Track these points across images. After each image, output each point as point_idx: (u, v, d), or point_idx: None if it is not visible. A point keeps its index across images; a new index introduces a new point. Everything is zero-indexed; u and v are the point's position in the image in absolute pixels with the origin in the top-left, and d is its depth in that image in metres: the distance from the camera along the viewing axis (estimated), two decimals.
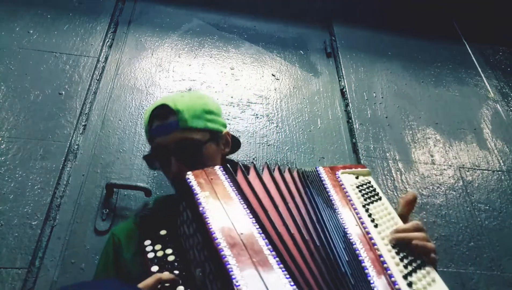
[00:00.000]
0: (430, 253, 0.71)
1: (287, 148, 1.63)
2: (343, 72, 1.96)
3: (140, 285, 0.71)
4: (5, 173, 1.33)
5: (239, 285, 0.55)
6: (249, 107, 1.72)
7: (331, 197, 0.78)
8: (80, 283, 0.73)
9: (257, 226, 0.67)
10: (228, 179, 0.76)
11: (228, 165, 0.79)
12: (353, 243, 0.68)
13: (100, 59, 1.74)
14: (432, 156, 1.72)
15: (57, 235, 1.26)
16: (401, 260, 0.66)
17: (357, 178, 0.86)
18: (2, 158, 1.36)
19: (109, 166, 1.43)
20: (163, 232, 0.82)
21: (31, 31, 1.77)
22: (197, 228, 0.70)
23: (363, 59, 2.05)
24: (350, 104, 1.83)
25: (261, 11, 2.17)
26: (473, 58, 2.20)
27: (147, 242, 0.80)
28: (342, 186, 0.81)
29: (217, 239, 0.62)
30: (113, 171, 1.42)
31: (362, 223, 0.72)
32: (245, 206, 0.70)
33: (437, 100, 1.95)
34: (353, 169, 0.87)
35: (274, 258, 0.62)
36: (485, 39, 2.32)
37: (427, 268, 0.66)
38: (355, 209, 0.76)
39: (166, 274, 0.73)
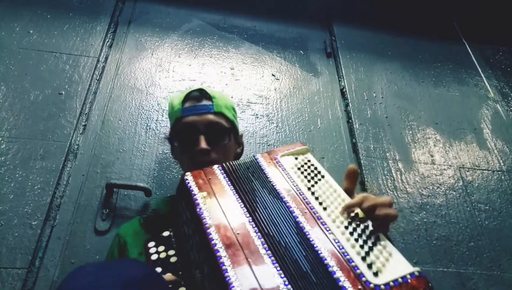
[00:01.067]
0: (385, 219, 0.67)
1: None
2: (343, 72, 1.96)
3: None
4: (5, 173, 1.33)
5: (233, 287, 0.55)
6: (249, 107, 1.72)
7: (275, 186, 0.74)
8: (96, 264, 0.73)
9: (253, 225, 0.66)
10: (227, 178, 0.76)
11: (227, 163, 0.79)
12: (306, 233, 0.65)
13: (100, 59, 1.74)
14: (432, 156, 1.72)
15: (57, 235, 1.26)
16: (356, 240, 0.63)
17: (296, 158, 0.82)
18: (2, 158, 1.36)
19: (109, 166, 1.43)
20: (166, 233, 0.83)
21: (31, 31, 1.77)
22: (195, 229, 0.70)
23: (363, 59, 2.05)
24: (350, 104, 1.83)
25: (261, 11, 2.17)
26: (473, 58, 2.20)
27: (151, 243, 0.81)
28: (284, 171, 0.78)
29: (213, 240, 0.62)
30: (113, 171, 1.42)
31: (312, 208, 0.69)
32: (242, 205, 0.70)
33: (437, 100, 1.95)
34: (291, 150, 0.84)
35: (267, 251, 0.61)
36: (485, 39, 2.32)
37: (382, 242, 0.62)
38: (301, 194, 0.72)
39: (168, 276, 0.74)
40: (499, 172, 1.72)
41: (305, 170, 0.79)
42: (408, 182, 1.61)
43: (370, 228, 0.65)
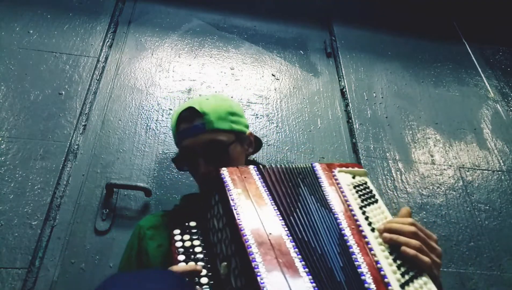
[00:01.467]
0: (428, 266, 0.66)
1: (287, 148, 1.63)
2: (343, 72, 1.96)
3: (174, 268, 0.74)
4: (5, 173, 1.33)
5: (263, 283, 0.56)
6: (249, 107, 1.72)
7: (326, 196, 0.75)
8: (128, 274, 0.74)
9: (286, 229, 0.66)
10: (261, 179, 0.76)
11: (261, 165, 0.80)
12: (350, 246, 0.65)
13: (100, 59, 1.74)
14: (432, 156, 1.72)
15: (57, 235, 1.26)
16: (398, 268, 0.63)
17: (353, 177, 0.83)
18: (2, 158, 1.36)
19: (109, 166, 1.43)
20: (192, 223, 0.83)
21: (31, 31, 1.77)
22: (227, 223, 0.70)
23: (363, 59, 2.05)
24: (350, 104, 1.83)
25: (261, 11, 2.17)
26: (473, 58, 2.20)
27: (177, 231, 0.81)
28: (339, 185, 0.78)
29: (246, 235, 0.63)
30: (113, 171, 1.42)
31: (359, 225, 0.69)
32: (275, 207, 0.70)
33: (437, 100, 1.95)
34: (350, 169, 0.84)
35: (298, 255, 0.62)
36: (485, 39, 2.32)
37: (424, 278, 0.63)
38: (351, 210, 0.73)
39: (191, 265, 0.74)
40: (499, 172, 1.72)
41: (360, 190, 0.80)
42: (408, 182, 1.61)
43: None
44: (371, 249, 0.65)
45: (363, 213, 0.73)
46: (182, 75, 1.78)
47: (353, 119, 1.77)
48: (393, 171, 1.63)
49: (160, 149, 1.51)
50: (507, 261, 1.46)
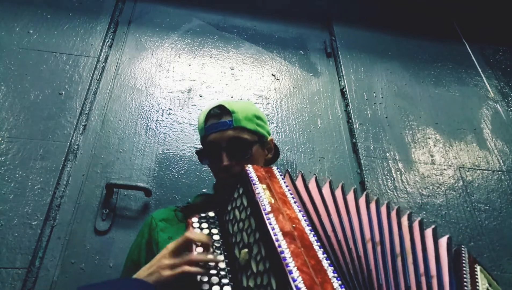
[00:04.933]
0: None
1: (287, 148, 1.63)
2: (343, 72, 1.96)
3: (170, 245, 0.75)
4: (5, 173, 1.33)
5: (289, 266, 0.57)
6: None
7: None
8: (99, 284, 0.74)
9: (309, 226, 0.69)
10: (284, 180, 0.79)
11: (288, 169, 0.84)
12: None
13: (100, 59, 1.74)
14: (432, 156, 1.72)
15: (57, 235, 1.26)
16: None
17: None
18: (2, 158, 1.36)
19: (109, 166, 1.43)
20: (211, 213, 0.84)
21: (31, 31, 1.77)
22: (251, 213, 0.71)
23: (363, 59, 2.05)
24: (350, 104, 1.83)
25: (261, 11, 2.17)
26: (473, 58, 2.20)
27: (194, 219, 0.81)
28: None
29: (272, 224, 0.64)
30: (113, 171, 1.42)
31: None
32: (301, 209, 0.73)
33: (437, 100, 1.95)
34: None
35: (320, 248, 0.64)
36: (485, 39, 2.32)
37: None
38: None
39: (197, 234, 0.75)
40: (499, 172, 1.72)
41: None
42: (408, 182, 1.61)
43: None
44: None
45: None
46: (182, 75, 1.78)
47: (353, 119, 1.77)
48: (393, 171, 1.63)
49: (160, 149, 1.51)
50: (507, 261, 1.46)
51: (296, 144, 1.65)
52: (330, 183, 0.85)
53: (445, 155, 1.74)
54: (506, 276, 1.42)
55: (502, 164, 1.76)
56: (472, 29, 2.35)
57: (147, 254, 0.94)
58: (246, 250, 0.68)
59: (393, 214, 0.84)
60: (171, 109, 1.64)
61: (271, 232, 0.63)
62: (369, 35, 2.18)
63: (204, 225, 0.80)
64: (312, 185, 0.83)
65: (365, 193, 0.86)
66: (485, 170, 1.72)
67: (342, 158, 1.64)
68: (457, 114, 1.91)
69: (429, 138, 1.79)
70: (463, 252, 0.82)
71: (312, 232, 0.67)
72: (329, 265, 0.61)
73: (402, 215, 0.85)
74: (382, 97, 1.90)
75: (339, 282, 0.59)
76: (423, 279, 0.71)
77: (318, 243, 0.65)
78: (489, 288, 0.80)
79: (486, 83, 2.09)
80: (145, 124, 1.57)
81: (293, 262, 0.58)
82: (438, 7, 2.40)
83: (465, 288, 0.72)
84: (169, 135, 1.55)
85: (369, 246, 0.73)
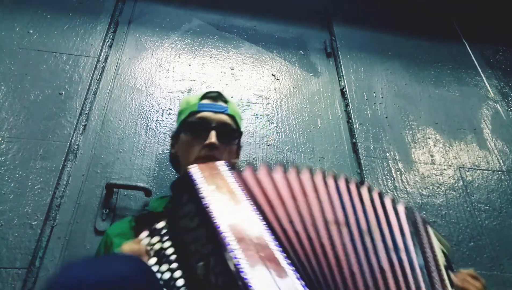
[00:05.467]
0: None
1: (287, 148, 1.63)
2: (343, 72, 1.96)
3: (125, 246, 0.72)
4: (5, 173, 1.33)
5: (247, 279, 0.55)
6: (249, 107, 1.72)
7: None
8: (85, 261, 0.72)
9: (264, 223, 0.66)
10: (233, 175, 0.74)
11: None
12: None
13: (100, 59, 1.74)
14: (432, 156, 1.72)
15: (57, 235, 1.26)
16: None
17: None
18: (2, 158, 1.36)
19: (109, 166, 1.43)
20: (161, 224, 0.78)
21: (31, 31, 1.77)
22: (201, 222, 0.68)
23: (363, 59, 2.05)
24: (350, 104, 1.83)
25: (261, 11, 2.17)
26: (473, 58, 2.20)
27: (143, 234, 0.77)
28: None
29: (223, 232, 0.61)
30: (113, 171, 1.42)
31: None
32: (251, 202, 0.69)
33: (437, 100, 1.95)
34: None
35: (278, 247, 0.61)
36: (485, 39, 2.32)
37: None
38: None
39: (131, 245, 0.73)
40: (499, 172, 1.72)
41: None
42: (408, 182, 1.61)
43: None
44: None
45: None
46: (182, 75, 1.78)
47: (353, 119, 1.77)
48: (393, 171, 1.63)
49: (160, 149, 1.51)
50: (507, 261, 1.46)
51: (296, 144, 1.65)
52: (283, 167, 0.79)
53: (445, 155, 1.74)
54: (506, 276, 1.42)
55: (502, 164, 1.76)
56: (472, 29, 2.35)
57: None
58: (202, 263, 0.65)
59: (353, 188, 0.79)
60: (171, 109, 1.64)
61: (224, 241, 0.60)
62: (369, 35, 2.18)
63: (155, 239, 0.75)
64: (263, 174, 0.77)
65: (318, 169, 0.81)
66: (485, 170, 1.72)
67: (342, 158, 1.64)
68: (457, 114, 1.91)
69: (429, 138, 1.79)
70: (417, 219, 0.81)
71: (269, 231, 0.64)
72: (289, 264, 0.59)
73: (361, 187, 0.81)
74: (382, 97, 1.90)
75: (301, 282, 0.56)
76: (393, 256, 0.68)
77: (276, 242, 0.62)
78: (441, 247, 0.81)
79: (486, 83, 2.09)
80: (145, 124, 1.57)
81: (252, 272, 0.55)
82: (438, 7, 2.40)
83: (428, 257, 0.73)
84: (169, 135, 1.55)
85: (334, 229, 0.69)
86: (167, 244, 0.74)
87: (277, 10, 2.21)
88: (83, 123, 1.53)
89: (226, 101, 1.08)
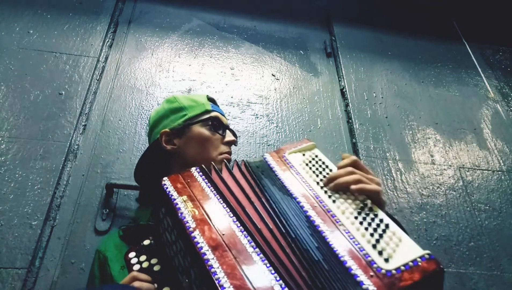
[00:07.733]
0: (376, 192, 0.71)
1: None
2: (343, 72, 1.96)
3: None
4: (5, 173, 1.33)
5: (224, 288, 0.55)
6: (249, 107, 1.72)
7: (284, 183, 0.75)
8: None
9: (238, 224, 0.66)
10: (206, 180, 0.75)
11: (202, 165, 0.79)
12: (317, 226, 0.66)
13: (100, 59, 1.74)
14: (432, 156, 1.72)
15: (57, 235, 1.26)
16: (366, 229, 0.63)
17: (303, 155, 0.85)
18: (2, 158, 1.36)
19: (109, 166, 1.43)
20: (146, 242, 0.81)
21: (31, 31, 1.77)
22: (178, 235, 0.68)
23: (363, 59, 2.05)
24: (350, 104, 1.83)
25: (261, 11, 2.17)
26: (473, 58, 2.20)
27: (132, 254, 0.79)
28: (292, 168, 0.79)
29: (198, 243, 0.62)
30: (113, 171, 1.42)
31: (321, 202, 0.70)
32: (224, 205, 0.70)
33: (437, 100, 1.95)
34: (298, 147, 0.86)
35: (254, 249, 0.62)
36: (485, 39, 2.32)
37: (392, 229, 0.63)
38: (310, 189, 0.74)
39: (142, 275, 0.73)
40: (499, 172, 1.72)
41: (313, 165, 0.82)
42: (408, 182, 1.61)
43: (380, 216, 0.66)
44: (337, 221, 0.66)
45: (321, 187, 0.74)
46: (182, 75, 1.78)
47: (353, 119, 1.77)
48: (393, 171, 1.63)
49: None
50: (507, 261, 1.46)
51: None
52: (237, 164, 0.81)
53: (445, 155, 1.74)
54: (506, 276, 1.42)
55: (502, 164, 1.76)
56: (472, 29, 2.35)
57: None
58: (185, 276, 0.66)
59: (245, 170, 0.80)
60: None
61: (199, 253, 0.60)
62: (369, 35, 2.18)
63: (143, 257, 0.78)
64: (226, 174, 0.79)
65: (234, 160, 0.83)
66: (485, 170, 1.72)
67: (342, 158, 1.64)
68: (457, 114, 1.91)
69: (429, 138, 1.79)
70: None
71: (244, 232, 0.65)
72: (263, 259, 0.60)
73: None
74: (382, 97, 1.90)
75: (280, 282, 0.57)
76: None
77: (252, 243, 0.63)
78: (303, 156, 0.84)
79: (486, 83, 2.09)
80: (145, 124, 1.57)
81: (227, 282, 0.56)
82: (438, 7, 2.40)
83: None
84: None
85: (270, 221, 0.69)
86: (154, 260, 0.77)
87: (277, 10, 2.21)
88: (83, 123, 1.53)
89: None
